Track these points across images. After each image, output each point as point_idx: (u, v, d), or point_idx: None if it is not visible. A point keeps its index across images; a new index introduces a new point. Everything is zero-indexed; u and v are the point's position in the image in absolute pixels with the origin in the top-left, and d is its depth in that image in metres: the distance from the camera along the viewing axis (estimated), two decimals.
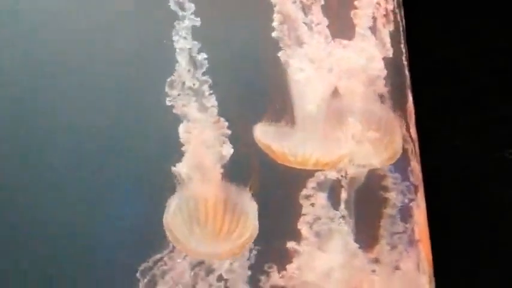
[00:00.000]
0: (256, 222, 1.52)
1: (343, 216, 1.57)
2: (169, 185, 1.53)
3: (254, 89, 1.60)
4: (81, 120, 1.55)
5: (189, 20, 1.59)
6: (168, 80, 1.56)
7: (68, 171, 1.53)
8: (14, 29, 1.56)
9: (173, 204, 1.52)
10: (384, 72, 1.66)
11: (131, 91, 1.56)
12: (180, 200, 1.52)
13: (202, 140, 1.55)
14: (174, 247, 1.52)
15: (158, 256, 1.50)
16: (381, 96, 1.66)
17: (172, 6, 1.58)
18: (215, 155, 1.54)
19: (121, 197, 1.53)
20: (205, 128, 1.55)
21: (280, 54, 1.61)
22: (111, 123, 1.56)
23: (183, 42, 1.58)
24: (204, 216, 1.51)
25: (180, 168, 1.54)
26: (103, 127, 1.55)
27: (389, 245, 1.58)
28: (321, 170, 1.59)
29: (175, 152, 1.55)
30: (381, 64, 1.66)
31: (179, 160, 1.55)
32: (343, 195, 1.58)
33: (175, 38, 1.58)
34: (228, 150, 1.54)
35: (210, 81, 1.57)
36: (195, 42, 1.58)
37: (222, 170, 1.54)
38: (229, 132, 1.55)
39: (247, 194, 1.54)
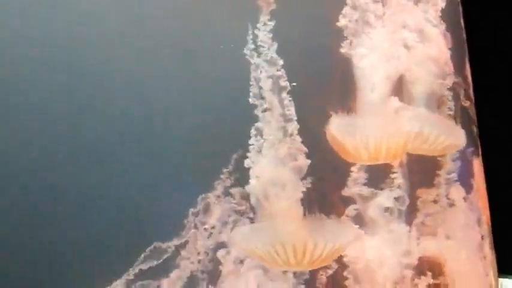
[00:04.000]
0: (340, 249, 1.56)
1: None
2: None
3: (319, 81, 1.62)
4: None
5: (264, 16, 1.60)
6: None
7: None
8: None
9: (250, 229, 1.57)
10: (450, 63, 1.69)
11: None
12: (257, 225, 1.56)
13: (278, 153, 1.56)
14: None
15: None
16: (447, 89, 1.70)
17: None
18: (292, 169, 1.56)
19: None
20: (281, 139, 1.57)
21: (346, 43, 1.62)
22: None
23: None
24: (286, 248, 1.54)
25: (254, 187, 1.57)
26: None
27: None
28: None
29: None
30: (446, 54, 1.69)
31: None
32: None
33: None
34: (304, 161, 1.56)
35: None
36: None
37: (302, 186, 1.57)
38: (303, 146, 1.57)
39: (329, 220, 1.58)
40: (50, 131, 1.59)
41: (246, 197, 1.60)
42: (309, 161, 1.56)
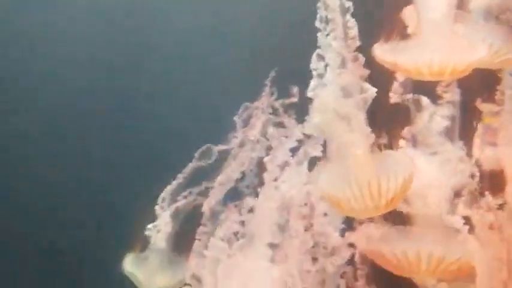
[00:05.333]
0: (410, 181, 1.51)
1: None
2: None
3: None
4: None
5: None
6: None
7: None
8: None
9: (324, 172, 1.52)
10: None
11: None
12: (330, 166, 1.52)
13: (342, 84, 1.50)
14: None
15: None
16: None
17: None
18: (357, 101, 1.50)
19: None
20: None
21: None
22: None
23: None
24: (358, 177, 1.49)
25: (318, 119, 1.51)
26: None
27: None
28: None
29: None
30: None
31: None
32: None
33: None
34: (371, 91, 1.49)
35: None
36: None
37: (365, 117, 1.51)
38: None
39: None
40: (112, 43, 1.68)
41: (288, 111, 1.65)
42: (373, 89, 1.51)
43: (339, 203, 1.53)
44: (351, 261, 1.67)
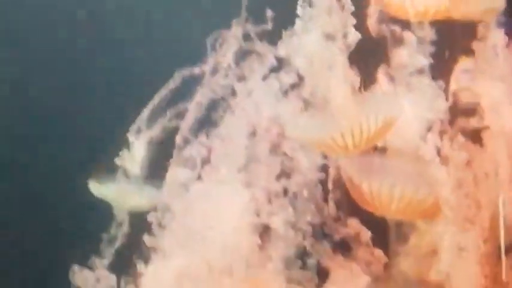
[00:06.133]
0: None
1: None
2: None
3: None
4: None
5: None
6: None
7: None
8: None
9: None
10: None
11: None
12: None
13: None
14: None
15: None
16: None
17: None
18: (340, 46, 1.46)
19: None
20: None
21: None
22: None
23: None
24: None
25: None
26: None
27: None
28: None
29: None
30: None
31: None
32: None
33: None
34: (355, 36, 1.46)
35: None
36: None
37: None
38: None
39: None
40: None
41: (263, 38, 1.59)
42: (357, 34, 1.47)
43: (318, 146, 1.53)
44: (322, 186, 1.66)
